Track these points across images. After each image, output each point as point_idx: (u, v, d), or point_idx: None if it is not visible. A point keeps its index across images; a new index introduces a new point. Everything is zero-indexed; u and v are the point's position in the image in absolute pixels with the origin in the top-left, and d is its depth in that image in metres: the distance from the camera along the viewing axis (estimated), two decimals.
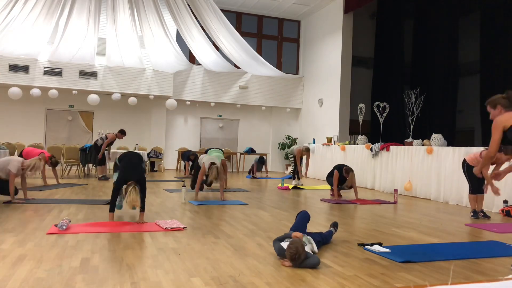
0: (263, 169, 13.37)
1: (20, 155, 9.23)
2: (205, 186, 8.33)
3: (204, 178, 7.54)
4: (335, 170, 7.97)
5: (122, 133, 10.54)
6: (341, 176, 7.93)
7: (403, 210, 6.94)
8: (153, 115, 14.17)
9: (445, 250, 4.01)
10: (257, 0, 14.07)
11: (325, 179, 9.16)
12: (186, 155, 12.33)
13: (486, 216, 6.21)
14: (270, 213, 6.05)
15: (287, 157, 15.54)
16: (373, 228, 5.14)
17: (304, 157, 11.01)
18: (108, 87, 12.98)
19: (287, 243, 3.46)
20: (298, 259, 3.28)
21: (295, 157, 10.56)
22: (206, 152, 8.29)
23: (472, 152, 7.35)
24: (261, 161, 13.07)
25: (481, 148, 7.26)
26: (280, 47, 15.80)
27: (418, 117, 10.95)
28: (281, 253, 3.51)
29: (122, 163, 5.29)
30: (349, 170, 7.89)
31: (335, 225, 4.54)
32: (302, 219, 4.29)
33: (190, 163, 12.07)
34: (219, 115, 15.27)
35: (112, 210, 4.98)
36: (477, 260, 3.76)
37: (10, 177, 6.08)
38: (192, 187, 8.13)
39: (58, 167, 9.32)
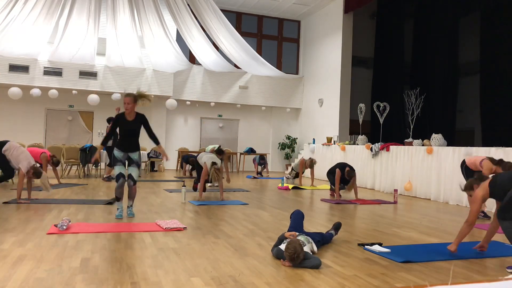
0: (264, 170, 13.34)
1: None
2: (207, 187, 8.31)
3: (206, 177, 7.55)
4: (337, 169, 7.95)
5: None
6: (342, 176, 7.92)
7: (403, 210, 6.94)
8: (153, 115, 14.16)
9: (445, 250, 4.00)
10: (257, 0, 14.07)
11: (325, 179, 9.15)
12: (186, 158, 12.31)
13: (486, 216, 6.21)
14: (270, 213, 6.05)
15: (287, 156, 15.54)
16: (373, 228, 5.14)
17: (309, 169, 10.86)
18: (108, 87, 12.97)
19: (285, 244, 3.46)
20: (297, 259, 3.28)
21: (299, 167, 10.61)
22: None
23: (473, 153, 7.36)
24: (261, 163, 13.03)
25: (482, 151, 7.25)
26: (280, 47, 15.80)
27: (418, 117, 10.94)
28: (280, 255, 3.51)
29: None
30: (351, 174, 7.83)
31: (337, 227, 4.50)
32: (297, 219, 4.28)
33: (190, 166, 12.07)
34: (219, 115, 15.28)
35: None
36: (477, 260, 3.76)
37: (19, 176, 6.18)
38: (194, 188, 8.08)
39: (57, 167, 9.33)
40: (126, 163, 5.48)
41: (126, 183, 5.47)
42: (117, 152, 5.45)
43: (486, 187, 3.75)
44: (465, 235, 3.84)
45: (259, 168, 13.14)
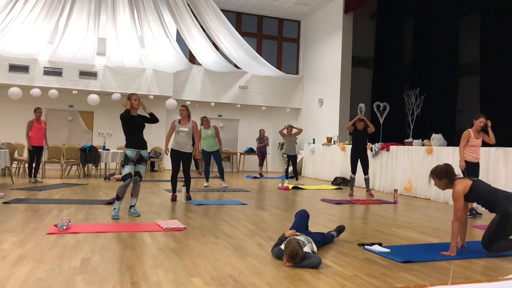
0: (260, 164, 13.28)
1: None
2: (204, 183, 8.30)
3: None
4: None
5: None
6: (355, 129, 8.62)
7: (403, 210, 6.94)
8: None
9: (445, 250, 4.00)
10: (257, 0, 14.07)
11: (325, 179, 9.15)
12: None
13: (478, 213, 6.36)
14: (270, 213, 6.05)
15: None
16: (373, 228, 5.14)
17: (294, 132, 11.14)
18: (108, 87, 12.97)
19: (285, 243, 3.47)
20: (297, 257, 3.29)
21: (287, 155, 10.96)
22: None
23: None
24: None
25: (482, 151, 7.25)
26: (280, 47, 15.80)
27: (418, 117, 10.94)
28: (280, 255, 3.51)
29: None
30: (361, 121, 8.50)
31: (340, 230, 4.51)
32: (301, 218, 4.28)
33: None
34: (219, 115, 15.27)
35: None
36: (477, 260, 3.76)
37: None
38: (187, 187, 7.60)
39: (58, 167, 9.39)
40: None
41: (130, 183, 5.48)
42: (129, 152, 5.46)
43: (467, 186, 3.90)
44: (458, 233, 3.90)
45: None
